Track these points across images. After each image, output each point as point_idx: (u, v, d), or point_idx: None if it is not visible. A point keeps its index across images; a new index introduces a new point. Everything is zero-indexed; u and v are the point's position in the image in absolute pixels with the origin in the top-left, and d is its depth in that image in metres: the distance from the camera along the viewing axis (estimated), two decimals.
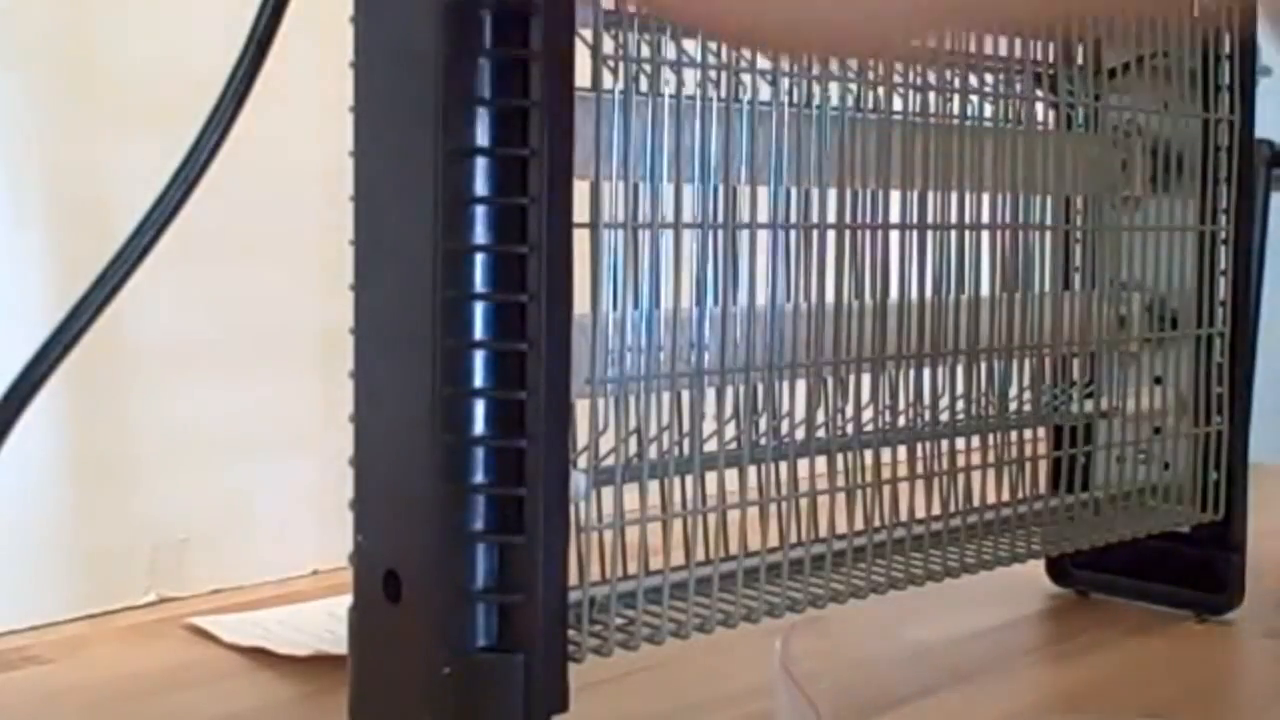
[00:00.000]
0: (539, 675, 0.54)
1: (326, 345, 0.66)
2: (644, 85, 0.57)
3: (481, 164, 0.53)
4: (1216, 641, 0.80)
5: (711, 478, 0.61)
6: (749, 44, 0.38)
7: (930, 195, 0.68)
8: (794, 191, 0.63)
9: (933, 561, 0.69)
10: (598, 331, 0.56)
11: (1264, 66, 0.81)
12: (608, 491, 0.57)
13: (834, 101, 0.64)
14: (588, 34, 0.55)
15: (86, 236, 0.71)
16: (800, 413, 0.64)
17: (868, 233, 0.65)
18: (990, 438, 0.73)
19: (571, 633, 0.55)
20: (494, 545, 0.54)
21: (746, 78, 0.60)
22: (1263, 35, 0.77)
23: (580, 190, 0.54)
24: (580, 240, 0.54)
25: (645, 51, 0.57)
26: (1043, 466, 0.78)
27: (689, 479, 0.60)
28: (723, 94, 0.60)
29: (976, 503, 0.72)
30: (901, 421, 0.68)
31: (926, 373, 0.69)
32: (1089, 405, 0.80)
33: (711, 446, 0.61)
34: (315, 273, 0.84)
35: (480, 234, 0.53)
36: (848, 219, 0.64)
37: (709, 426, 0.61)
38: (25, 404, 0.52)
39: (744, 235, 0.61)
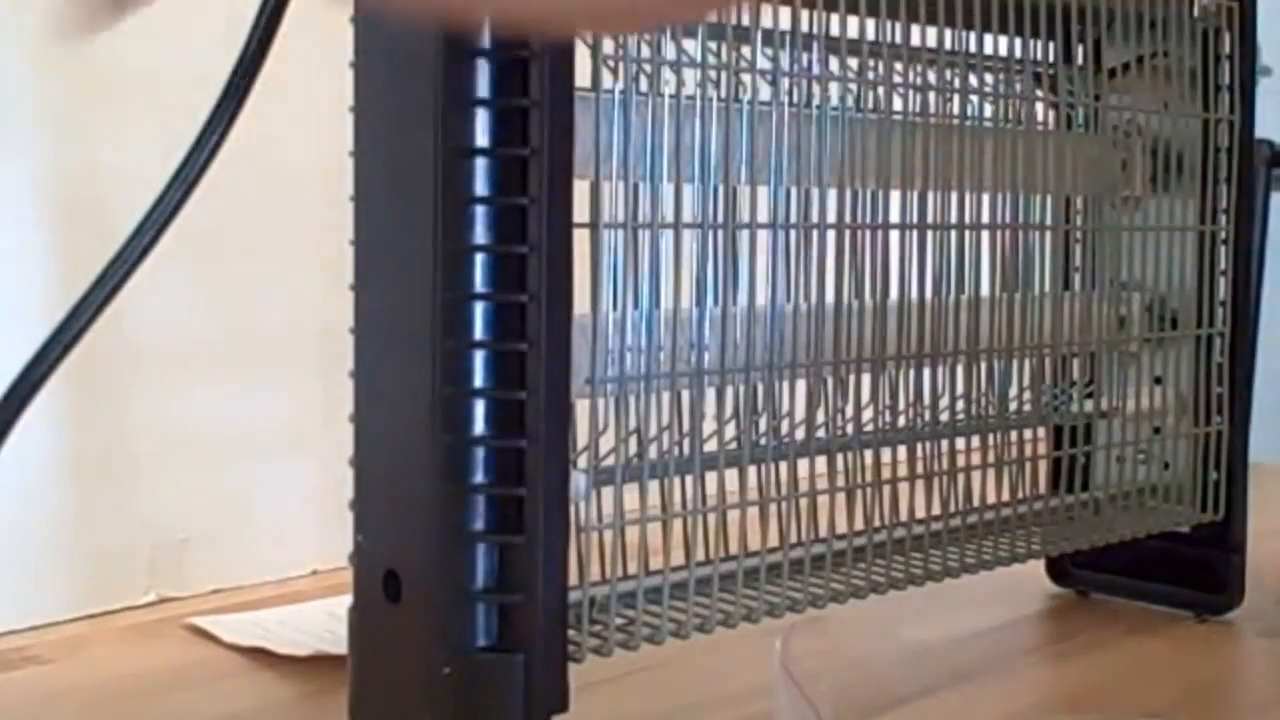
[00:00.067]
0: (539, 675, 0.54)
1: (326, 345, 0.66)
2: (644, 85, 0.57)
3: (481, 164, 0.53)
4: (1216, 641, 0.80)
5: (711, 478, 0.61)
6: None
7: (930, 195, 0.67)
8: (794, 191, 0.62)
9: (933, 561, 0.69)
10: (598, 331, 0.56)
11: (1264, 66, 0.81)
12: (608, 491, 0.57)
13: (834, 101, 0.64)
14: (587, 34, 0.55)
15: (86, 236, 0.71)
16: (800, 413, 0.64)
17: (868, 233, 0.65)
18: (990, 438, 0.73)
19: (571, 633, 0.55)
20: (494, 545, 0.54)
21: (746, 78, 0.60)
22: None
23: (580, 190, 0.54)
24: (580, 240, 0.54)
25: (645, 51, 0.57)
26: (1043, 466, 0.78)
27: (689, 479, 0.60)
28: (723, 94, 0.60)
29: (976, 503, 0.72)
30: (901, 421, 0.68)
31: (926, 373, 0.69)
32: (1089, 405, 0.80)
33: (711, 446, 0.61)
34: (315, 273, 0.84)
35: (480, 234, 0.53)
36: (848, 219, 0.64)
37: (709, 426, 0.61)
38: (25, 404, 0.52)
39: (744, 235, 0.61)
